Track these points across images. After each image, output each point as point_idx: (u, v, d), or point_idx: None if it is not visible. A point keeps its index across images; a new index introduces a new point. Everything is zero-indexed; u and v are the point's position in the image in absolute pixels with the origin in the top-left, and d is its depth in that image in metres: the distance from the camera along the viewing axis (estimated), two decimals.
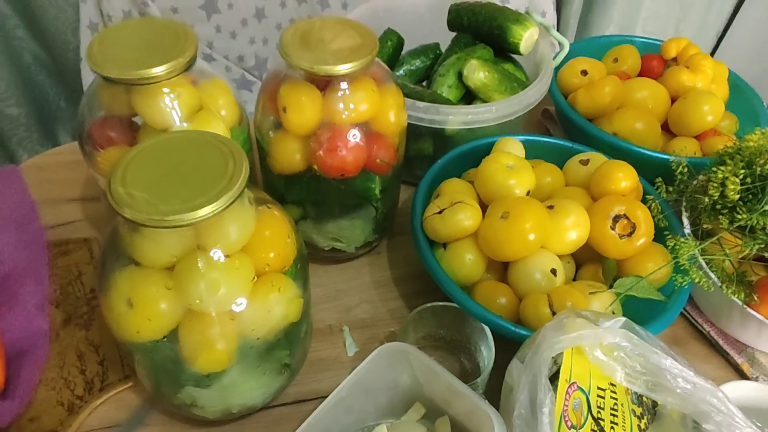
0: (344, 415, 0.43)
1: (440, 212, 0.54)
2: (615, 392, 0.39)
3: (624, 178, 0.57)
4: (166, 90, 0.46)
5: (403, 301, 0.61)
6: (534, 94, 0.65)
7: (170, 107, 0.47)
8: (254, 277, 0.40)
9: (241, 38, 1.20)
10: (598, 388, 0.38)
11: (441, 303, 0.51)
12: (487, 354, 0.49)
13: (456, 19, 0.76)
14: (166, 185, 0.35)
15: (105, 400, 0.50)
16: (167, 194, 0.34)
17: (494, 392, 0.44)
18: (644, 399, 0.42)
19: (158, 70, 0.44)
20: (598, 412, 0.38)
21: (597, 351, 0.37)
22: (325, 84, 0.50)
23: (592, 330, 0.36)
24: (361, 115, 0.51)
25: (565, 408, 0.36)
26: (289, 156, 0.53)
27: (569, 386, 0.36)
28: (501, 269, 0.57)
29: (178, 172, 0.36)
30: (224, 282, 0.38)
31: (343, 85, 0.50)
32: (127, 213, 0.33)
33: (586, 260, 0.58)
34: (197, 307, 0.38)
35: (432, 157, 0.67)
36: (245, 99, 0.57)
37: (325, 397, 0.52)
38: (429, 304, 0.51)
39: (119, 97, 0.47)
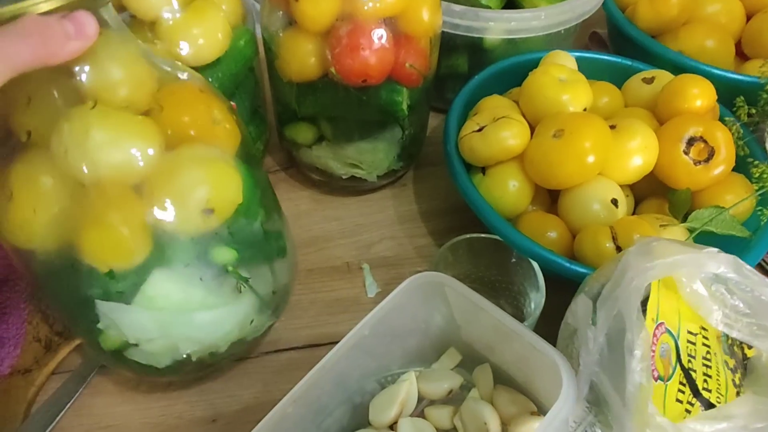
0: (365, 359, 0.36)
1: (480, 129, 0.46)
2: (707, 338, 0.31)
3: (700, 95, 0.47)
4: None
5: (431, 238, 0.53)
6: (590, 0, 0.56)
7: None
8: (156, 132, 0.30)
9: None
10: (689, 332, 0.31)
11: (479, 234, 0.43)
12: (534, 296, 0.41)
13: None
14: None
15: None
16: None
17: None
18: (735, 348, 0.34)
19: None
20: (689, 361, 0.30)
21: (696, 283, 0.29)
22: None
23: (693, 255, 0.28)
24: (388, 8, 0.42)
25: (652, 355, 0.28)
26: (302, 59, 0.44)
27: (656, 327, 0.29)
28: (548, 200, 0.49)
29: None
30: (98, 121, 0.28)
31: None
32: None
33: (647, 194, 0.49)
34: (72, 168, 0.28)
35: (466, 77, 0.58)
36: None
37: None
38: (465, 236, 0.43)
39: None
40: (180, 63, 0.35)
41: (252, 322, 0.38)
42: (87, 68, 0.28)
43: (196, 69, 0.43)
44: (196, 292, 0.34)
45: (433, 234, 0.54)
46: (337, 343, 0.45)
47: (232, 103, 0.47)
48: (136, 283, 0.32)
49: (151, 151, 0.29)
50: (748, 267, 0.29)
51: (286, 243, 0.41)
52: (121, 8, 0.41)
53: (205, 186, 0.32)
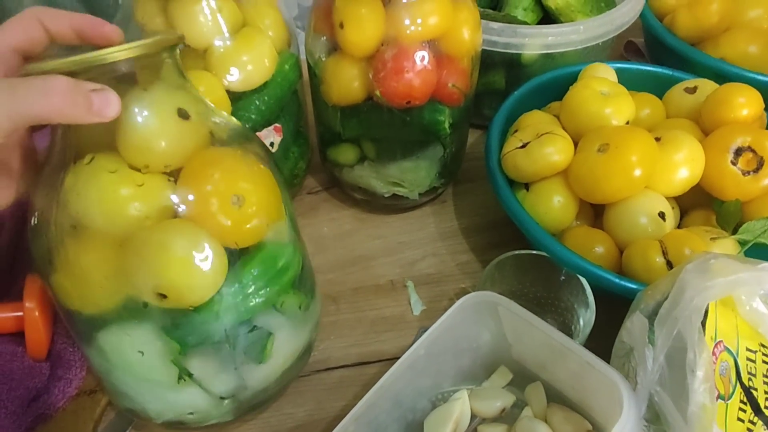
0: (419, 378, 0.36)
1: (524, 146, 0.46)
2: (767, 355, 0.31)
3: (746, 104, 0.47)
4: None
5: (473, 254, 0.54)
6: (628, 12, 0.56)
7: (211, 20, 0.40)
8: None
9: None
10: (748, 349, 0.30)
11: (526, 251, 0.43)
12: (583, 313, 0.41)
13: None
14: None
15: None
16: None
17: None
18: None
19: None
20: (749, 379, 0.30)
21: (756, 301, 0.29)
22: None
23: (753, 273, 0.27)
24: (430, 31, 0.43)
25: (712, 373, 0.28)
26: (346, 83, 0.46)
27: (715, 346, 0.29)
28: (592, 214, 0.49)
29: None
30: (85, 178, 0.28)
31: None
32: None
33: (693, 205, 0.49)
34: (62, 208, 0.29)
35: (504, 93, 0.58)
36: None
37: (389, 359, 0.46)
38: (511, 253, 0.43)
39: (155, 12, 0.41)
40: (234, 121, 0.35)
41: (191, 414, 0.36)
42: (115, 124, 0.28)
43: (244, 94, 0.45)
44: (135, 361, 0.33)
45: (474, 250, 0.54)
46: (385, 360, 0.46)
47: (277, 124, 0.49)
48: (92, 329, 0.33)
49: (126, 220, 0.29)
50: None
51: (270, 349, 0.36)
52: None
53: (161, 273, 0.29)
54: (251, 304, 0.33)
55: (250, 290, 0.33)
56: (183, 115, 0.29)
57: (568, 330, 0.44)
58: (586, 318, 0.41)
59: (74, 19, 0.30)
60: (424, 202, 0.57)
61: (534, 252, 0.43)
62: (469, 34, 0.46)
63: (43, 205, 0.30)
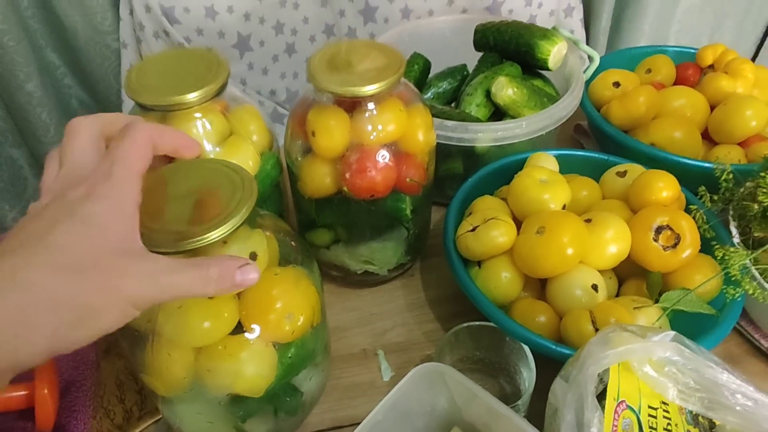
0: None
1: (473, 230, 0.53)
2: (668, 411, 0.37)
3: (665, 188, 0.55)
4: (198, 115, 0.47)
5: (438, 324, 0.59)
6: (565, 107, 0.64)
7: (203, 133, 0.48)
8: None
9: (273, 74, 1.24)
10: (650, 407, 0.36)
11: (477, 323, 0.49)
12: (527, 375, 0.47)
13: (482, 39, 0.77)
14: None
15: (144, 428, 0.50)
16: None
17: (536, 415, 0.42)
18: (700, 419, 0.39)
19: (192, 96, 0.45)
20: None
21: (646, 366, 0.35)
22: (352, 106, 0.50)
23: (641, 344, 0.34)
24: (389, 136, 0.51)
25: (615, 429, 0.34)
26: (319, 179, 0.53)
27: (617, 405, 0.34)
28: (538, 287, 0.55)
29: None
30: (173, 318, 0.37)
31: (371, 106, 0.50)
32: None
33: (629, 275, 0.55)
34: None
35: (463, 176, 0.66)
36: (278, 132, 0.58)
37: (359, 423, 0.51)
38: (465, 324, 0.49)
39: None
40: (289, 243, 0.43)
41: None
42: None
43: None
44: (206, 428, 0.43)
45: (439, 319, 0.60)
46: (356, 424, 0.51)
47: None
48: (170, 403, 0.42)
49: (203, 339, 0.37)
50: (689, 351, 0.35)
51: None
52: None
53: (233, 385, 0.39)
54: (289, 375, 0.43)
55: (290, 370, 0.42)
56: (254, 257, 0.36)
57: (517, 390, 0.49)
58: (530, 379, 0.46)
59: (175, 137, 0.32)
60: (393, 276, 0.63)
61: (483, 323, 0.49)
62: (423, 135, 0.54)
63: (141, 324, 0.37)
